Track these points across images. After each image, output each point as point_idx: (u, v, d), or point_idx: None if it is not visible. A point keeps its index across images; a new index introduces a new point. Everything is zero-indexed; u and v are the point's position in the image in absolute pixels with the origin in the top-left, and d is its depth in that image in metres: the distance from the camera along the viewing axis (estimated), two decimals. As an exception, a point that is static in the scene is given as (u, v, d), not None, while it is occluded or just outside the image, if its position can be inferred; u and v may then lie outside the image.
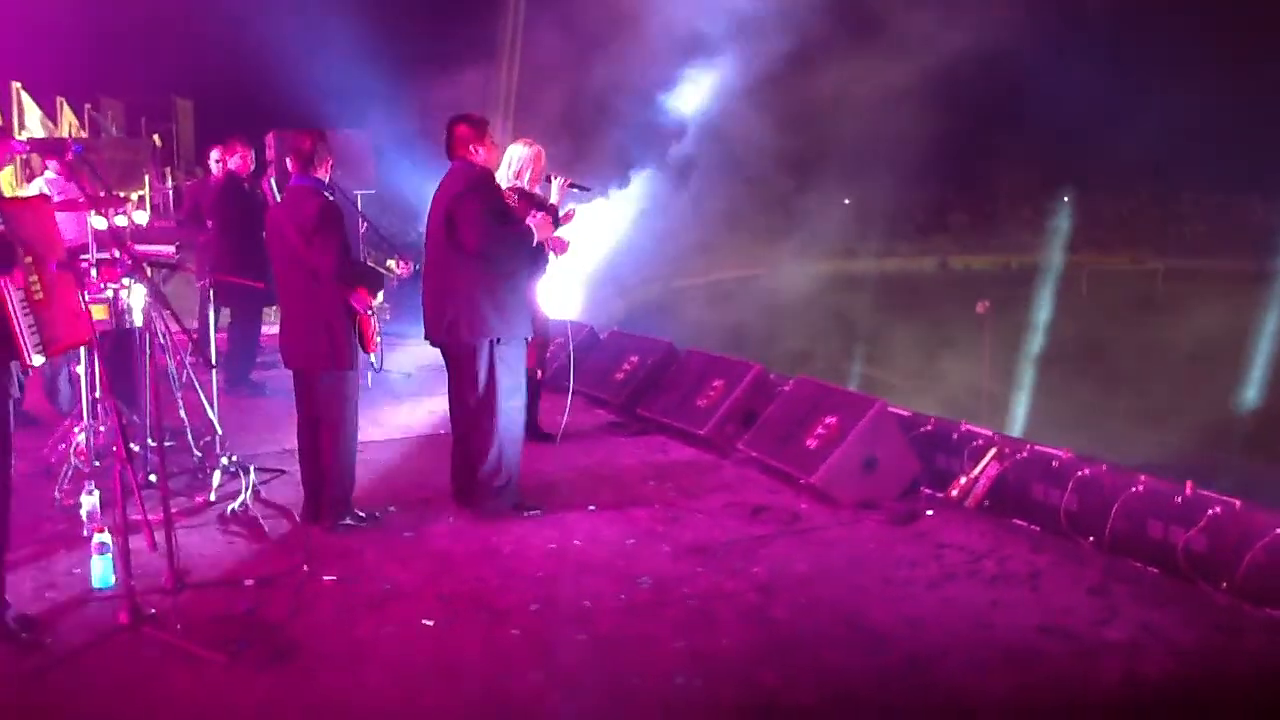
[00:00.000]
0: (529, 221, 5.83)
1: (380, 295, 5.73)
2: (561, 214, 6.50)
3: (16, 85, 15.13)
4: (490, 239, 5.63)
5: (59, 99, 17.10)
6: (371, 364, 7.97)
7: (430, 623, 4.60)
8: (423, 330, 5.97)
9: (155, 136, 17.54)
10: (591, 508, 6.05)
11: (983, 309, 15.04)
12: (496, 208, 5.76)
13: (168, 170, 17.66)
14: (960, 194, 36.97)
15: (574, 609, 4.77)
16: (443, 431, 7.81)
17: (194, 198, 9.82)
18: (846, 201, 19.65)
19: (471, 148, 5.73)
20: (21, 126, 14.89)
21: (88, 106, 17.73)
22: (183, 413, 6.68)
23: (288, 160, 5.70)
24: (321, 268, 5.48)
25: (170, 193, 16.37)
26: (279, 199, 8.71)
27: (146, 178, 14.27)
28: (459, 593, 4.92)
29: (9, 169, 7.66)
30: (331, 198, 5.62)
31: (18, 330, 4.16)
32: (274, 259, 5.79)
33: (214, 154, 9.38)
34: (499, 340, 5.73)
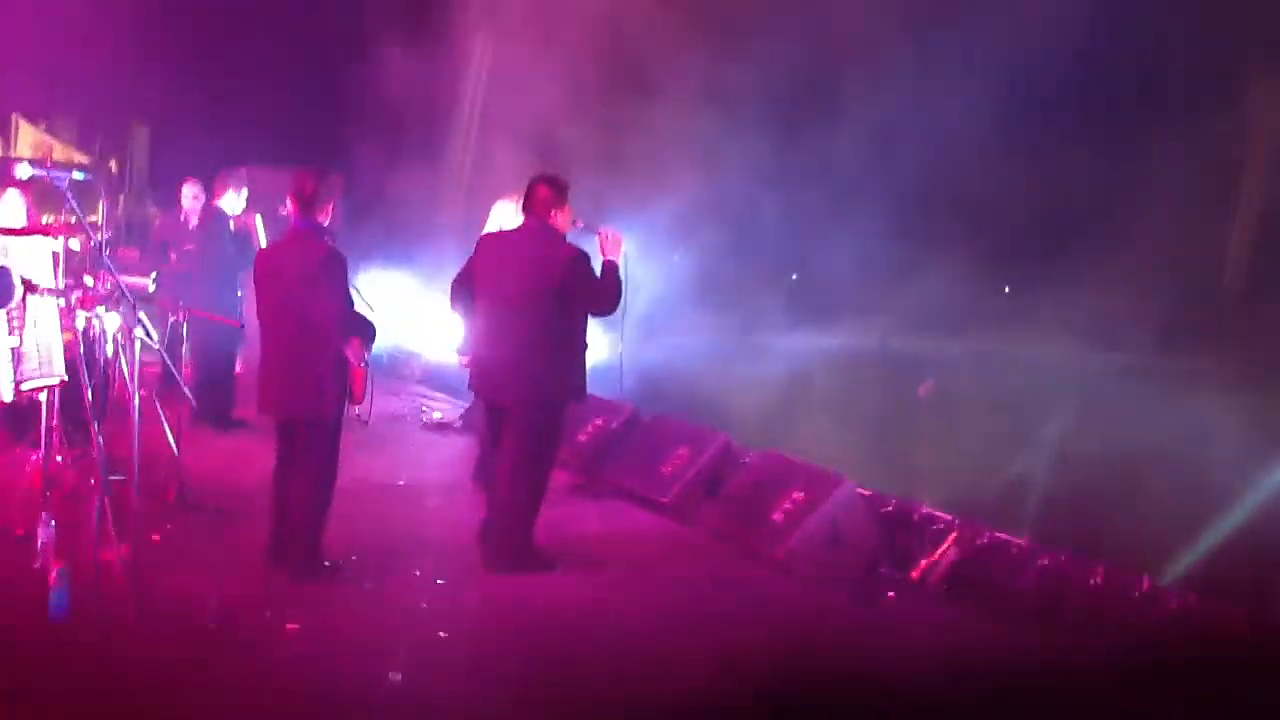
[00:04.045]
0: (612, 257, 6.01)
1: (373, 347, 5.66)
2: None
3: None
4: (603, 297, 5.89)
5: (13, 116, 16.84)
6: (359, 417, 7.54)
7: (398, 676, 4.55)
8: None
9: (112, 162, 17.31)
10: (555, 569, 6.01)
11: (925, 391, 15.20)
12: (592, 267, 5.93)
13: (120, 197, 17.39)
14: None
15: (536, 669, 4.76)
16: (401, 482, 7.76)
17: (163, 231, 9.71)
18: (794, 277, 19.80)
19: (553, 211, 5.87)
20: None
21: (43, 124, 17.46)
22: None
23: (288, 201, 5.63)
24: (323, 316, 5.38)
25: (122, 222, 16.13)
26: (263, 240, 8.67)
27: (101, 205, 14.04)
28: (425, 648, 4.86)
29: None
30: (333, 244, 5.58)
31: None
32: (261, 301, 5.68)
33: (187, 189, 9.27)
34: (572, 399, 6.01)
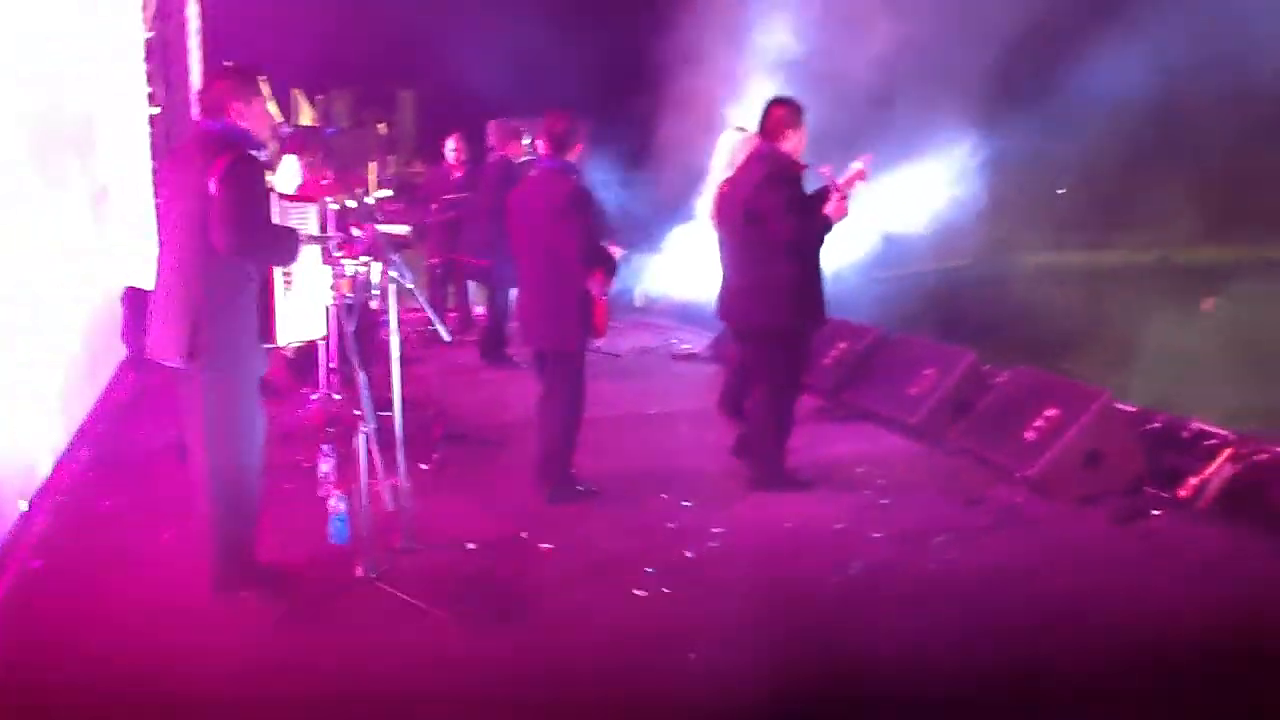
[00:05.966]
0: (827, 209, 5.73)
1: (614, 281, 5.83)
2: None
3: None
4: (796, 223, 5.69)
5: (294, 91, 18.22)
6: (609, 351, 7.73)
7: (643, 593, 4.71)
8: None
9: (381, 125, 18.48)
10: (809, 489, 6.05)
11: (1209, 307, 14.07)
12: (797, 198, 5.76)
13: (390, 158, 18.56)
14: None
15: (785, 589, 4.80)
16: (650, 411, 7.97)
17: (427, 185, 10.42)
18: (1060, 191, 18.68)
19: (786, 131, 5.78)
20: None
21: (319, 98, 18.83)
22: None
23: (539, 140, 5.87)
24: (566, 249, 5.59)
25: (394, 180, 17.25)
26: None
27: (372, 165, 15.08)
28: (671, 567, 5.01)
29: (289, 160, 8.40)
30: (580, 181, 5.77)
31: (274, 313, 4.52)
32: (515, 239, 5.95)
33: (449, 143, 10.04)
34: (808, 322, 5.94)
